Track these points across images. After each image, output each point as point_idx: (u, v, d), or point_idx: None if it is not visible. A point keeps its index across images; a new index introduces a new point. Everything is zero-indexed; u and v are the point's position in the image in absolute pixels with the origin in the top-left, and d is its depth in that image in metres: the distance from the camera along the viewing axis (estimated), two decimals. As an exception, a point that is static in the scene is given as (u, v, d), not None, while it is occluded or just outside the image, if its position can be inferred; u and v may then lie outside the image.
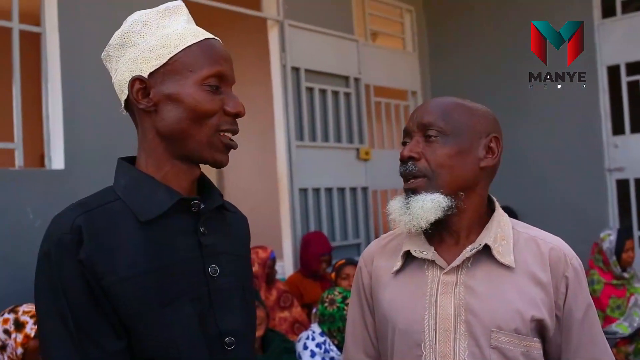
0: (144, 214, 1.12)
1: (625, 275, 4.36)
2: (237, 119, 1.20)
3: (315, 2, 5.60)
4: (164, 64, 1.14)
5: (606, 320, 4.35)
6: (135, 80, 1.15)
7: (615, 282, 4.35)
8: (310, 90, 5.44)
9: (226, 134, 1.18)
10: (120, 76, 1.18)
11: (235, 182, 7.07)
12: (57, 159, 3.67)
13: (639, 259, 4.54)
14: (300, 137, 5.32)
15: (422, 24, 6.90)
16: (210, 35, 1.20)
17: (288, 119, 5.23)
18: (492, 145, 1.41)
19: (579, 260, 1.41)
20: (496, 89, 6.21)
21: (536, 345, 1.33)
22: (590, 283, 4.41)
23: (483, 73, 6.42)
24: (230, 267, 1.22)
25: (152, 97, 1.15)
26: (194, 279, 1.15)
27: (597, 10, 5.88)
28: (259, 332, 2.96)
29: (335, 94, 5.69)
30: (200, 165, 1.22)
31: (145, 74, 1.15)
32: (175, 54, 1.15)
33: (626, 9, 5.80)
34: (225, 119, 1.18)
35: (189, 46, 1.15)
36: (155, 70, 1.15)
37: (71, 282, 1.05)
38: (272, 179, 5.53)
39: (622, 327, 4.30)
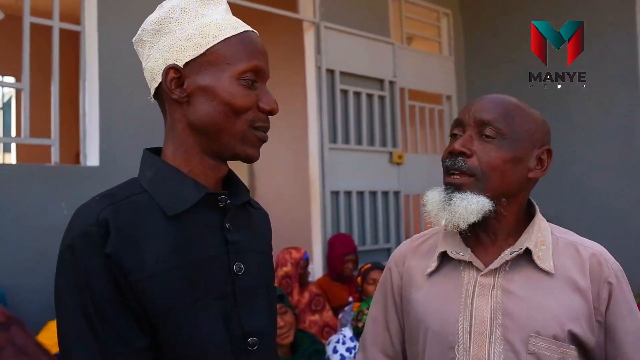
0: (171, 208, 1.09)
1: None
2: (270, 117, 1.18)
3: (351, 4, 5.58)
4: (201, 55, 1.11)
5: None
6: (170, 69, 1.11)
7: None
8: (344, 92, 5.42)
9: (259, 131, 1.15)
10: (153, 63, 1.14)
11: (268, 183, 7.08)
12: (92, 156, 3.72)
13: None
14: (334, 139, 5.31)
15: (458, 27, 6.83)
16: (249, 28, 1.17)
17: (322, 121, 5.22)
18: (544, 157, 1.37)
19: (619, 266, 1.35)
20: (534, 95, 6.08)
21: (572, 353, 1.29)
22: None
23: (520, 78, 6.27)
24: (255, 265, 1.19)
25: (185, 88, 1.11)
26: (219, 276, 1.12)
27: (639, 16, 5.74)
28: (289, 339, 2.90)
29: (370, 96, 5.66)
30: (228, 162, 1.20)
31: (180, 63, 1.11)
32: (214, 45, 1.11)
33: (670, 14, 5.65)
34: (259, 116, 1.14)
35: (228, 38, 1.12)
36: (192, 60, 1.11)
37: (97, 276, 1.01)
38: (305, 181, 5.52)
39: None
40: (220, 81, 1.11)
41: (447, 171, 1.35)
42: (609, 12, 5.85)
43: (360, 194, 5.52)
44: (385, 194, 5.74)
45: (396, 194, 5.82)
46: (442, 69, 6.64)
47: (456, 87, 6.73)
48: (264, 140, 1.17)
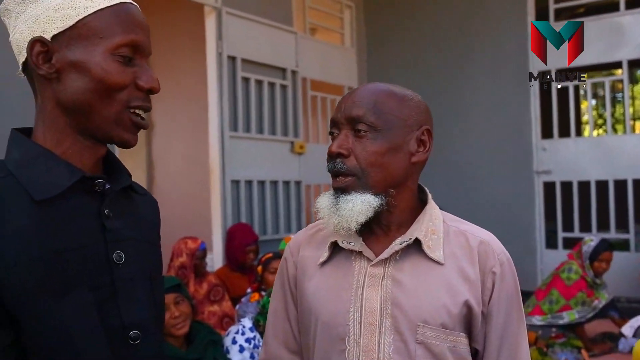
0: (40, 192, 0.99)
1: (597, 281, 4.56)
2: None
3: (254, -9, 5.52)
4: (71, 27, 1.02)
5: (564, 308, 4.50)
6: (36, 42, 1.01)
7: (589, 279, 4.52)
8: (246, 80, 5.36)
9: (137, 111, 1.07)
10: (19, 35, 1.04)
11: (166, 171, 6.90)
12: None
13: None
14: (234, 127, 5.23)
15: (360, 19, 6.90)
16: None
17: (222, 109, 5.13)
18: (424, 138, 1.35)
19: (508, 255, 1.37)
20: (431, 87, 6.28)
21: (463, 341, 1.30)
22: (568, 270, 4.58)
23: (419, 71, 6.48)
24: (137, 254, 1.10)
25: (54, 63, 1.02)
26: (95, 266, 1.03)
27: (530, 16, 6.01)
28: (184, 330, 2.84)
29: (272, 85, 5.62)
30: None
31: (48, 36, 1.01)
32: (85, 17, 1.02)
33: (559, 16, 5.96)
34: (136, 94, 1.06)
35: (101, 9, 1.03)
36: (60, 32, 1.02)
37: None
38: (204, 170, 5.42)
39: (570, 315, 4.45)
40: (92, 56, 1.02)
41: (332, 175, 1.34)
42: (503, 16, 6.10)
43: (262, 183, 5.48)
44: (286, 183, 5.72)
45: (297, 183, 5.82)
46: (344, 60, 6.70)
47: (357, 79, 6.81)
48: (141, 125, 1.08)
